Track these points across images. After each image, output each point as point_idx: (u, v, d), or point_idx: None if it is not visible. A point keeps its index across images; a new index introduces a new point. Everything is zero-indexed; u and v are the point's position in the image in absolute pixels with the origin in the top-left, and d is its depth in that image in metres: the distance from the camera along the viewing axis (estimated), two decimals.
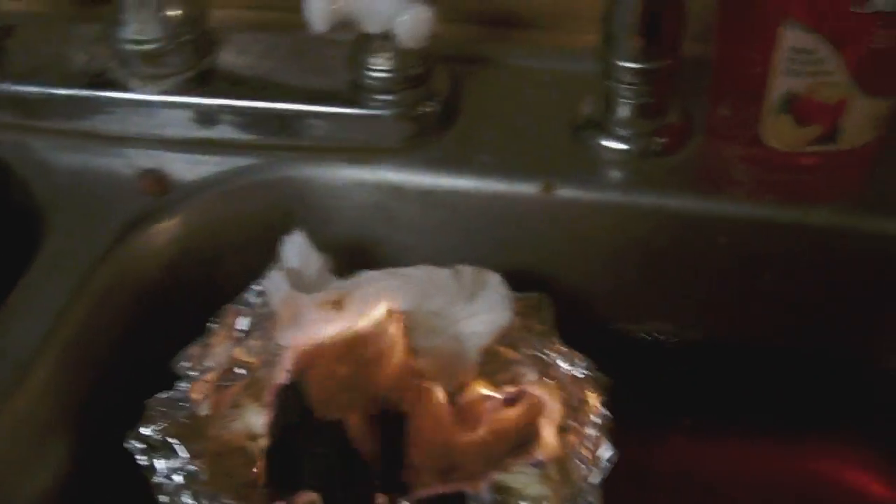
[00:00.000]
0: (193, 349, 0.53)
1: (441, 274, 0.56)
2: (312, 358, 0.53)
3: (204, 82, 0.62)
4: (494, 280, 0.56)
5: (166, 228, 0.59)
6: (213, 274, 0.62)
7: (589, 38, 0.58)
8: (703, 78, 0.59)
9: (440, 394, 0.53)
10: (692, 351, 0.64)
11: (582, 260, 0.61)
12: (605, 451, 0.50)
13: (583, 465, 0.50)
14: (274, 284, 0.55)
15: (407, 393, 0.54)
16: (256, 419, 0.53)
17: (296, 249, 0.56)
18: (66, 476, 0.54)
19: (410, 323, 0.54)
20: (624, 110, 0.59)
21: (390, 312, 0.54)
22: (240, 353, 0.54)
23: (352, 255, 0.61)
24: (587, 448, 0.51)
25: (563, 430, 0.52)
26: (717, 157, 0.60)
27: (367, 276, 0.56)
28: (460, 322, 0.55)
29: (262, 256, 0.61)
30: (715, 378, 0.63)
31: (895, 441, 0.61)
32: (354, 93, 0.60)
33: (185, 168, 0.61)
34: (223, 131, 0.61)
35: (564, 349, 0.55)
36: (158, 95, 0.61)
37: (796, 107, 0.55)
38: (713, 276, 0.61)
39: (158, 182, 0.59)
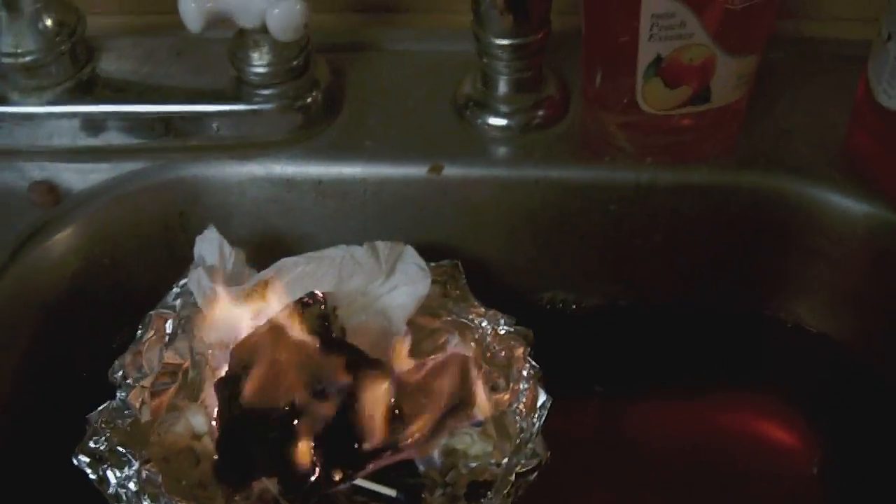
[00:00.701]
0: (125, 357, 0.54)
1: (358, 252, 0.57)
2: (249, 350, 0.53)
3: (87, 90, 0.62)
4: (409, 252, 0.57)
5: (63, 238, 0.60)
6: (117, 279, 0.62)
7: (466, 18, 0.59)
8: (576, 50, 0.61)
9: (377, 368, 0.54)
10: (593, 317, 0.65)
11: (476, 235, 0.62)
12: (540, 399, 0.52)
13: (518, 418, 0.52)
14: (195, 283, 0.55)
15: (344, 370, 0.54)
16: (196, 419, 0.54)
17: (211, 245, 0.56)
18: None
19: (335, 303, 0.55)
20: (502, 86, 0.61)
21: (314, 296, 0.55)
22: (170, 356, 0.54)
23: (254, 250, 0.62)
24: (521, 401, 0.53)
25: (494, 388, 0.54)
26: (596, 125, 0.62)
27: (286, 262, 0.57)
28: (383, 297, 0.56)
29: (163, 258, 0.62)
30: (619, 342, 0.65)
31: (794, 387, 0.64)
32: (238, 89, 0.61)
33: (76, 177, 0.61)
34: (110, 138, 0.62)
35: (482, 310, 0.56)
36: (43, 107, 0.61)
37: (664, 70, 0.57)
38: (605, 241, 0.63)
39: (50, 192, 0.60)
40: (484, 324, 0.56)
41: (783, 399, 0.63)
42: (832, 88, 0.64)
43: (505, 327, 0.55)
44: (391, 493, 0.51)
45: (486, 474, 0.53)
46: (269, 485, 0.50)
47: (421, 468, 0.52)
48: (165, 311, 0.56)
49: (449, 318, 0.57)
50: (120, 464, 0.49)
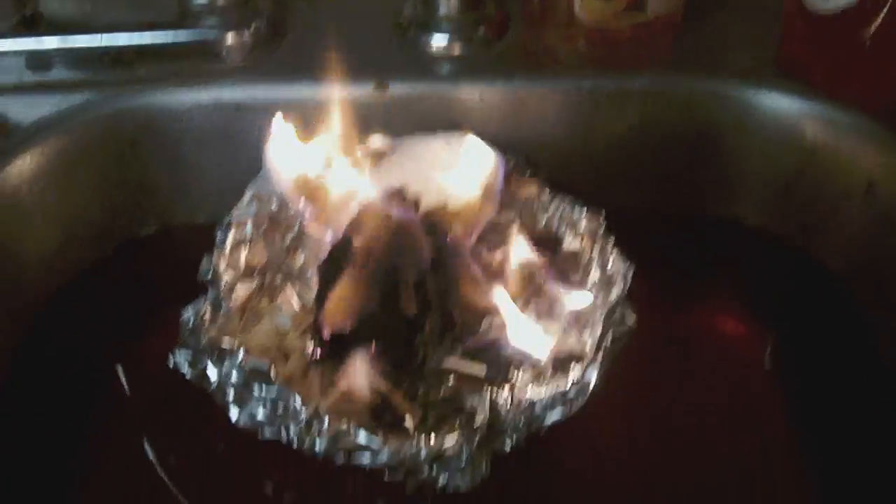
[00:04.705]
0: (212, 259, 0.53)
1: (435, 142, 0.58)
2: (348, 232, 0.53)
3: (31, 27, 0.62)
4: (474, 139, 0.58)
5: (15, 170, 0.59)
6: (71, 211, 0.62)
7: None
8: None
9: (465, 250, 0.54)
10: None
11: None
12: (622, 268, 0.53)
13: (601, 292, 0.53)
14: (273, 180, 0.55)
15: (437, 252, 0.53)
16: (280, 318, 0.54)
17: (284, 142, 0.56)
18: None
19: (417, 191, 0.55)
20: (444, 6, 0.62)
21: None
22: (250, 257, 0.55)
23: (204, 176, 0.63)
24: (602, 273, 0.54)
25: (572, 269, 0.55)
26: (536, 40, 0.63)
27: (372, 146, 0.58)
28: (456, 184, 0.57)
29: (116, 188, 0.62)
30: None
31: (742, 283, 0.65)
32: (182, 20, 0.62)
33: (25, 111, 0.61)
34: (57, 73, 0.62)
35: (549, 196, 0.58)
36: None
37: None
38: (550, 151, 0.64)
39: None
40: (553, 208, 0.57)
41: (733, 295, 0.65)
42: None
43: (576, 208, 0.56)
44: (480, 371, 0.51)
45: (571, 349, 0.52)
46: (363, 368, 0.50)
47: (507, 348, 0.52)
48: (242, 214, 0.56)
49: (516, 208, 0.58)
50: (220, 358, 0.49)
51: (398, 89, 0.61)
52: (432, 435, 0.47)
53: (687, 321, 0.64)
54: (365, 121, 0.61)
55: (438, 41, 0.63)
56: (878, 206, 0.58)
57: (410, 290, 0.49)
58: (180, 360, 0.49)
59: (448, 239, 0.52)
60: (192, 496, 0.54)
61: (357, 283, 0.50)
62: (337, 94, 0.59)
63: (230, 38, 0.62)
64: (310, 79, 0.61)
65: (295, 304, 0.55)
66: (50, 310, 0.62)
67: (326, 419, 0.46)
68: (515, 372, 0.50)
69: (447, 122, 0.62)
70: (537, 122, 0.62)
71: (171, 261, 0.65)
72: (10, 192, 0.59)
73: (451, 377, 0.51)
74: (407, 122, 0.62)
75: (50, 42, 0.61)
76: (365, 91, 0.61)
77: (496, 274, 0.54)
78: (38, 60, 0.62)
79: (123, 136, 0.62)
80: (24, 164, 0.60)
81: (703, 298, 0.65)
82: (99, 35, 0.61)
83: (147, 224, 0.65)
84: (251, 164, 0.61)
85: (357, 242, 0.51)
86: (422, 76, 0.62)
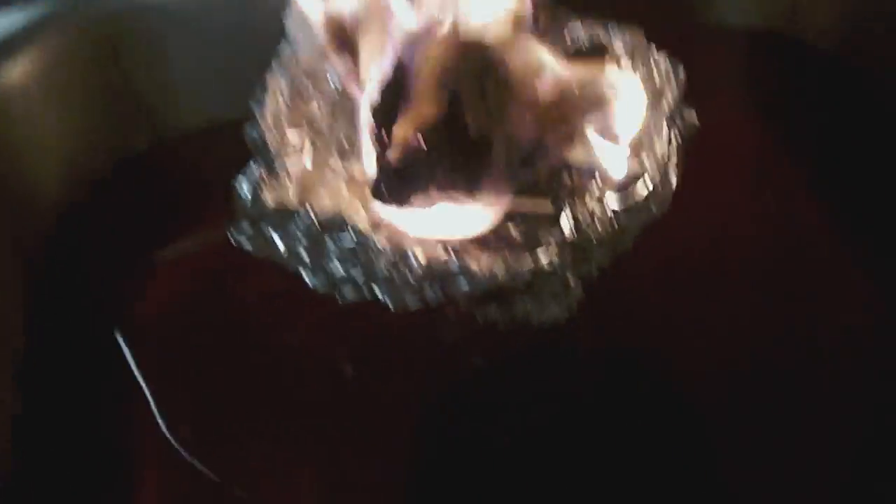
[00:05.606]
0: (255, 128, 0.48)
1: None
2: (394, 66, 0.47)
3: None
4: None
5: None
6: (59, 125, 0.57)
7: None
8: None
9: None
10: None
11: None
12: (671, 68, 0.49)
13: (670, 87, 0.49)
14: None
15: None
16: (336, 182, 0.49)
17: None
18: None
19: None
20: None
21: None
22: (294, 124, 0.49)
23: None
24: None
25: None
26: None
27: None
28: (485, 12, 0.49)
29: (98, 96, 0.57)
30: None
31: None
32: None
33: None
34: None
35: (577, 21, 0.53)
36: None
37: None
38: None
39: None
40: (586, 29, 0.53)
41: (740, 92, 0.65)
42: None
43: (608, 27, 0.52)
44: (546, 206, 0.46)
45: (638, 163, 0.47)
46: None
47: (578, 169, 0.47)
48: (274, 83, 0.50)
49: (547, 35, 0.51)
50: (285, 221, 0.44)
51: None
52: (525, 254, 0.43)
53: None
54: None
55: None
56: None
57: (474, 106, 0.45)
58: (241, 230, 0.45)
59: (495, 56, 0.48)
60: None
61: (416, 111, 0.46)
62: None
63: None
64: None
65: (346, 170, 0.50)
66: (53, 237, 0.57)
67: (417, 251, 0.42)
68: (589, 189, 0.46)
69: None
70: None
71: (174, 174, 0.60)
72: None
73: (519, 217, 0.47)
74: None
75: None
76: None
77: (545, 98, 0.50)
78: None
79: (104, 43, 0.57)
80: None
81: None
82: None
83: (140, 137, 0.60)
84: (243, 52, 0.58)
85: (407, 74, 0.47)
86: None
